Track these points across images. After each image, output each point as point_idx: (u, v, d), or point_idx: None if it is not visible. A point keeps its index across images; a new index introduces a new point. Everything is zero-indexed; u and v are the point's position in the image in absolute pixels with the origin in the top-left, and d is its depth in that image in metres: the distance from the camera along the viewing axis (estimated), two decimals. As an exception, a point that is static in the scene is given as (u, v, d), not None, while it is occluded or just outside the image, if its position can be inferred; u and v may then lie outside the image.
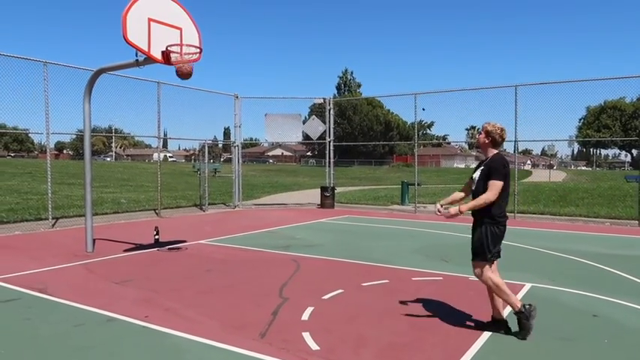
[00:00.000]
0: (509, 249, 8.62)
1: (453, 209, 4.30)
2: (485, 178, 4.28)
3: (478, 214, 4.32)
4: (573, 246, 8.85)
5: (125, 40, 6.91)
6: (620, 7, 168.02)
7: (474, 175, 4.43)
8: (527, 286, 5.94)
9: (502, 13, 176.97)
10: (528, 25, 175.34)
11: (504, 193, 4.27)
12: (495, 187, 4.19)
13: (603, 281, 6.29)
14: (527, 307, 4.20)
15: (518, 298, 4.25)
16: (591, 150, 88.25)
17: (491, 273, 4.28)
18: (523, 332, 4.19)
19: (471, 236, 4.42)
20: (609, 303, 5.25)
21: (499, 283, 4.27)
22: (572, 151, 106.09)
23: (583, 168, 77.06)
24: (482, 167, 4.38)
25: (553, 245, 8.88)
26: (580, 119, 64.32)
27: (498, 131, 4.36)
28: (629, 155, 71.41)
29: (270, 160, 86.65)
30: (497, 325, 4.38)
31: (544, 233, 10.71)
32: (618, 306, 5.15)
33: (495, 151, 4.39)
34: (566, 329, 4.45)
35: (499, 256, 4.34)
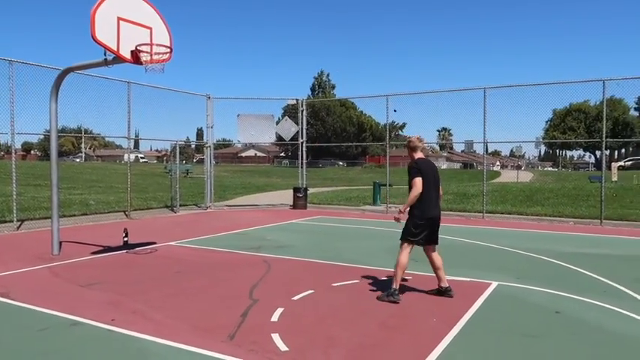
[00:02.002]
0: (477, 248, 8.80)
1: (397, 215, 5.41)
2: (409, 180, 5.27)
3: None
4: (539, 245, 9.08)
5: (93, 38, 6.78)
6: (590, 14, 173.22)
7: None
8: (494, 284, 6.07)
9: (474, 17, 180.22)
10: (499, 29, 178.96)
11: (425, 190, 5.21)
12: (414, 183, 5.20)
13: (568, 279, 6.47)
14: (395, 290, 5.26)
15: (399, 281, 5.32)
16: (557, 151, 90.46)
17: (405, 251, 5.33)
18: (384, 295, 5.31)
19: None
20: (573, 300, 5.41)
21: (403, 262, 5.30)
22: (539, 152, 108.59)
23: (549, 169, 78.80)
24: None
25: (520, 244, 9.09)
26: (547, 121, 65.88)
27: (413, 139, 5.54)
28: (592, 156, 73.50)
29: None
30: (440, 292, 5.46)
31: (511, 232, 10.95)
32: (582, 303, 5.31)
33: (416, 157, 5.44)
34: (530, 326, 4.57)
35: (419, 244, 5.37)
